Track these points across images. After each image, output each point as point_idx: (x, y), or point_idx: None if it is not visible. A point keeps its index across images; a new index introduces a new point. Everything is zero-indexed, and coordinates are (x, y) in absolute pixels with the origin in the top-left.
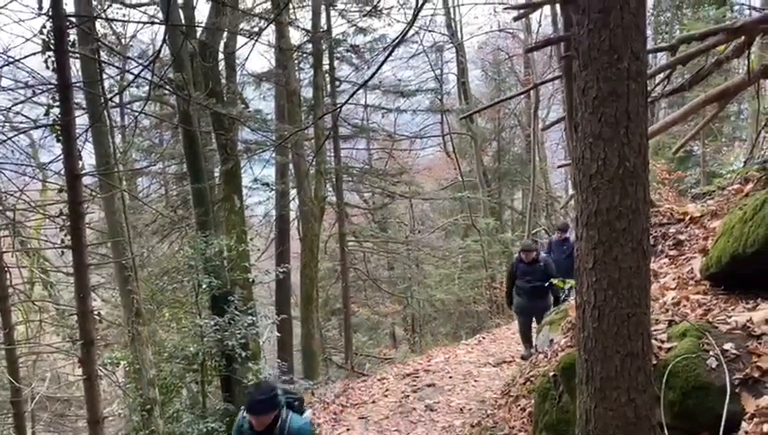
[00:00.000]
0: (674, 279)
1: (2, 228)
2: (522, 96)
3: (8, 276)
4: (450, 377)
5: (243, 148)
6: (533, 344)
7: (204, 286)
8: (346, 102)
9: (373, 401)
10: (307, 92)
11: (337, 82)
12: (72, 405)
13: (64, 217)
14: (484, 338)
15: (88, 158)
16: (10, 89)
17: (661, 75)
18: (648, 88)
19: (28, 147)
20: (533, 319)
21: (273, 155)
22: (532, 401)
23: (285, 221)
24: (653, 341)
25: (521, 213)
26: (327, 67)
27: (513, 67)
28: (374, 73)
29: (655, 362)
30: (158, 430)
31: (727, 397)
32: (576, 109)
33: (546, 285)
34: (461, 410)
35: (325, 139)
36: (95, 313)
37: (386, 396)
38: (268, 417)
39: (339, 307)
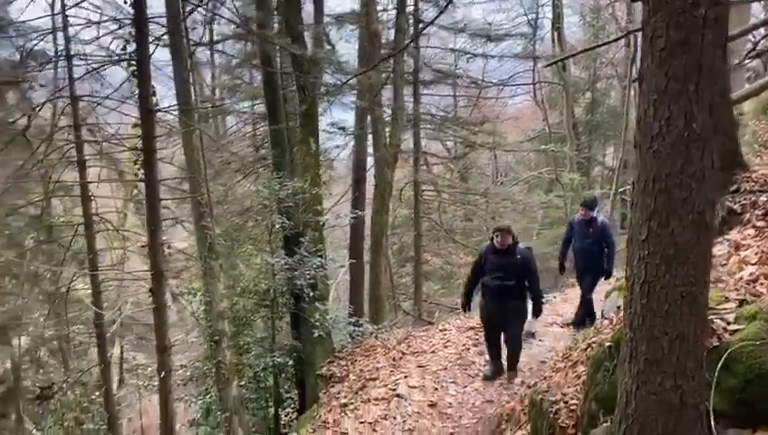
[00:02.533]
0: (756, 253)
1: (91, 159)
2: (619, 44)
3: (94, 205)
4: None
5: (324, 90)
6: (501, 361)
7: (277, 226)
8: (408, 45)
9: (433, 351)
10: (391, 35)
11: (420, 25)
12: (152, 330)
13: (139, 152)
14: (555, 298)
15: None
16: (97, 22)
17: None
18: (753, 42)
19: (126, 81)
20: (503, 330)
21: (353, 99)
22: None
23: (362, 167)
24: (718, 321)
25: (611, 169)
26: (411, 8)
27: (615, 13)
28: (442, 11)
29: (717, 343)
30: (224, 361)
31: None
32: (642, 60)
33: (520, 286)
34: (521, 369)
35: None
36: (165, 246)
37: (446, 347)
38: None
39: (413, 255)
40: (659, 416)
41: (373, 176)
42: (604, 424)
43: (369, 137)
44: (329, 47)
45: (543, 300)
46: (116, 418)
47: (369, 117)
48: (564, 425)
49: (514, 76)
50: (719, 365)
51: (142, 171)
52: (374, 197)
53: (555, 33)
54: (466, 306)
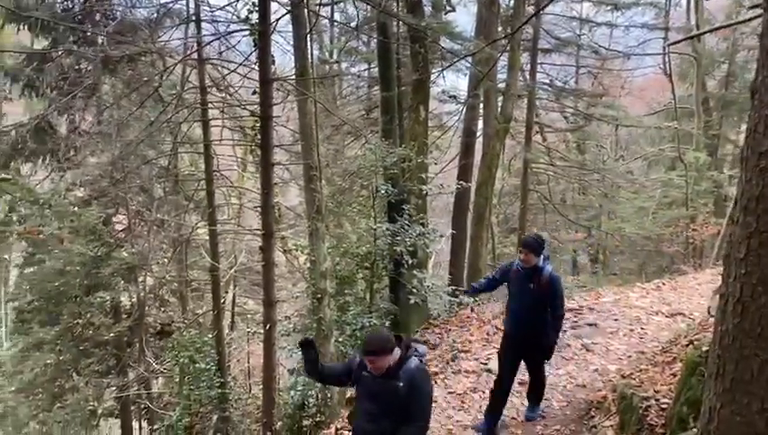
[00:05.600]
0: None
1: (213, 119)
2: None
3: (215, 162)
4: (615, 320)
5: (438, 55)
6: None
7: (381, 192)
8: (529, 20)
9: None
10: (511, 1)
11: None
12: None
13: (256, 118)
14: (664, 284)
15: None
16: None
17: None
18: None
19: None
20: None
21: (468, 66)
22: None
23: (471, 135)
24: None
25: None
26: None
27: None
28: None
29: None
30: (325, 318)
31: None
32: (757, 72)
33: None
34: (619, 356)
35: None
36: (275, 208)
37: None
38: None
39: (517, 227)
40: None
41: (482, 146)
42: (693, 430)
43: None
44: (449, 8)
45: None
46: (225, 360)
47: (479, 88)
48: (653, 423)
49: (642, 45)
50: None
51: (259, 135)
52: (480, 169)
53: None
54: None
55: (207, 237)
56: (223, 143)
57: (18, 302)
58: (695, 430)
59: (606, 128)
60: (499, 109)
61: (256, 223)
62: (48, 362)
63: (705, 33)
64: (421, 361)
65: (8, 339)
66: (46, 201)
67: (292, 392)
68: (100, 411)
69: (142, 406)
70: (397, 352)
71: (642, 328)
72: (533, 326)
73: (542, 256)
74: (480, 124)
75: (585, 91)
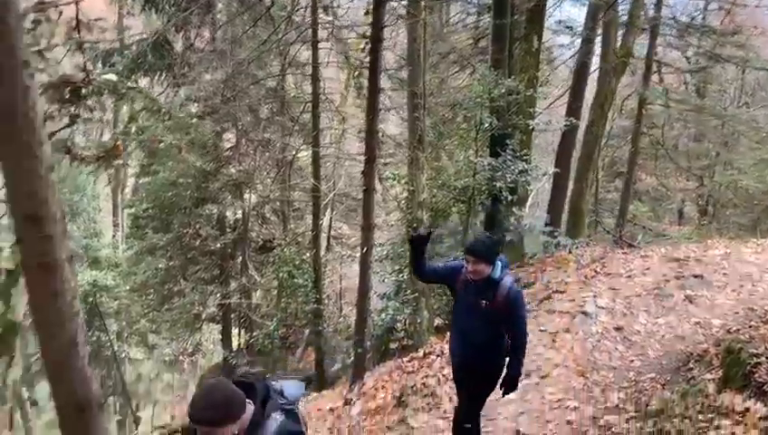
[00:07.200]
0: None
1: (321, 41)
2: None
3: (322, 85)
4: (725, 274)
5: None
6: None
7: (485, 125)
8: None
9: (629, 276)
10: None
11: None
12: (359, 205)
13: (366, 40)
14: None
15: None
16: None
17: None
18: None
19: None
20: None
21: None
22: None
23: (585, 71)
24: None
25: None
26: None
27: None
28: None
29: None
30: None
31: None
32: None
33: None
34: (724, 312)
35: None
36: (379, 133)
37: (644, 275)
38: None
39: (624, 171)
40: None
41: (596, 82)
42: None
43: (598, 39)
44: None
45: None
46: (321, 278)
47: (601, 18)
48: (762, 381)
49: None
50: None
51: (368, 58)
52: (592, 107)
53: None
54: None
55: (309, 160)
56: (328, 66)
57: (134, 208)
58: None
59: (732, 70)
60: (618, 42)
61: (355, 149)
62: (159, 266)
63: None
64: (290, 410)
65: (124, 242)
66: (166, 112)
67: (383, 315)
68: (203, 316)
69: (242, 314)
70: (249, 411)
71: (753, 285)
72: (483, 351)
73: (498, 265)
74: (595, 59)
75: (713, 29)
